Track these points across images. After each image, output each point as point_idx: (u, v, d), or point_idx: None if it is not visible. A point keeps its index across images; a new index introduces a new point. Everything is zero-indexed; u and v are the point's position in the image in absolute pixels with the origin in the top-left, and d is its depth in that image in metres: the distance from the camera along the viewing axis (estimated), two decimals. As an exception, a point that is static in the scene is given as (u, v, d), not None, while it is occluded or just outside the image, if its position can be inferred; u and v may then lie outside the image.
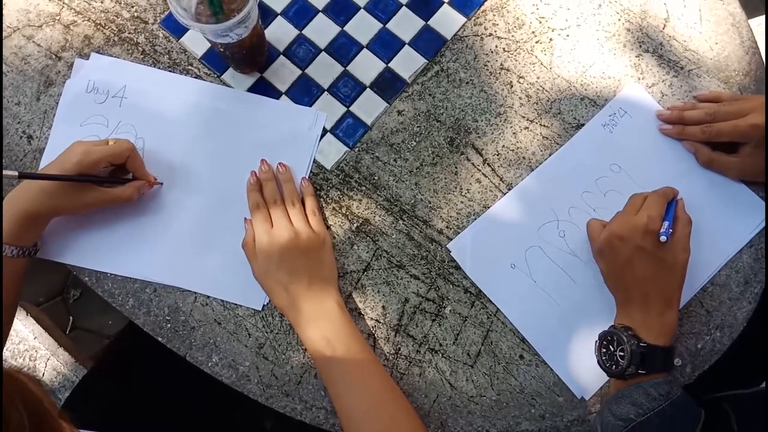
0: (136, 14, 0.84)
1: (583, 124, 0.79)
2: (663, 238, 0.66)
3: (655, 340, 0.66)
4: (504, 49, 0.82)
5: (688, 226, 0.70)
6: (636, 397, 0.64)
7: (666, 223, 0.68)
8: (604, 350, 0.69)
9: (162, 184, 0.79)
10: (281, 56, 0.82)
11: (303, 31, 0.83)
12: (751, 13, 0.94)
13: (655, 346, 0.66)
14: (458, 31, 0.82)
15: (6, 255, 0.69)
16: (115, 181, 0.75)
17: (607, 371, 0.69)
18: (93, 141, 0.73)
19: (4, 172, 0.65)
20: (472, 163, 0.79)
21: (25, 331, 1.07)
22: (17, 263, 0.71)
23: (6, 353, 1.06)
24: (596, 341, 0.71)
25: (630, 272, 0.68)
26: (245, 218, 0.76)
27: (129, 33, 0.83)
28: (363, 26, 0.83)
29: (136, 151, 0.75)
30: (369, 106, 0.81)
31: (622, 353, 0.66)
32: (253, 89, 0.81)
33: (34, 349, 1.07)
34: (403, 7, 0.83)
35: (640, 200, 0.71)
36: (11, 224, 0.69)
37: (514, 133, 0.79)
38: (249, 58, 0.78)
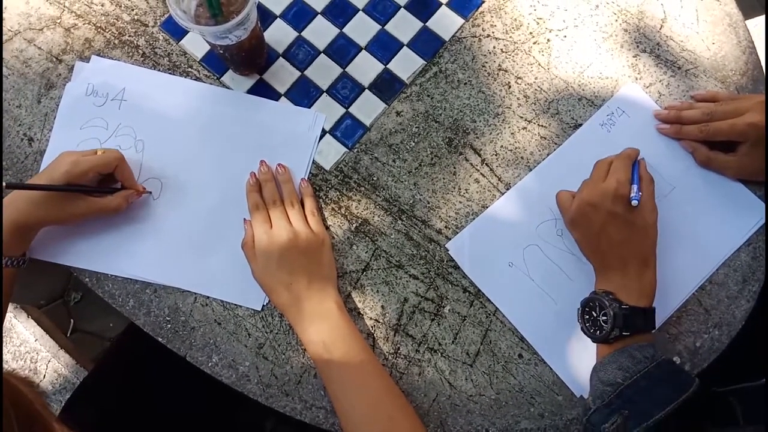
0: (136, 17, 0.85)
1: (580, 124, 0.79)
2: (634, 203, 0.68)
3: (636, 302, 0.67)
4: (502, 50, 0.82)
5: (651, 184, 0.71)
6: (622, 361, 0.65)
7: (635, 187, 0.69)
8: (587, 317, 0.70)
9: (151, 192, 0.79)
10: (280, 58, 0.83)
11: (302, 33, 0.83)
12: (748, 13, 0.94)
13: (636, 307, 0.66)
14: (456, 32, 0.83)
15: None
16: (103, 191, 0.75)
17: (592, 337, 0.69)
18: (81, 151, 0.74)
19: None
20: (471, 164, 0.79)
21: (26, 333, 1.07)
22: (5, 273, 0.71)
23: (7, 355, 1.06)
24: (578, 309, 0.71)
25: (605, 238, 0.69)
26: (244, 219, 0.77)
27: (129, 36, 0.84)
28: (362, 28, 0.83)
29: (125, 161, 0.75)
30: (368, 107, 0.81)
31: (605, 317, 0.67)
32: (253, 91, 0.82)
33: (35, 351, 1.07)
34: (402, 8, 0.84)
35: (605, 166, 0.72)
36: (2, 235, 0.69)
37: (512, 134, 0.80)
38: (248, 59, 0.79)
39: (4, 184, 0.66)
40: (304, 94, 0.82)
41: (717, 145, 0.76)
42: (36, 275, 0.75)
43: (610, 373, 0.65)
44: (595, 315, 0.68)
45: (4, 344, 1.06)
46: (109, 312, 0.77)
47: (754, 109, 0.72)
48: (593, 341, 0.70)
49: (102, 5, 0.85)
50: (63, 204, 0.71)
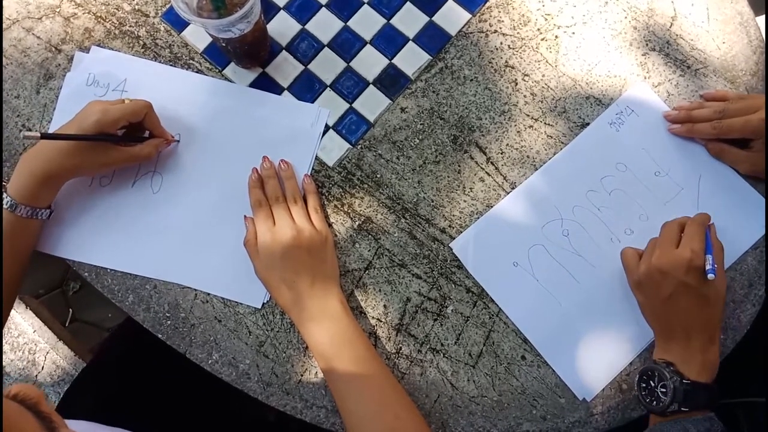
0: (137, 7, 0.83)
1: (587, 123, 0.78)
2: (711, 276, 0.63)
3: (698, 376, 0.64)
4: (509, 46, 0.81)
5: (721, 253, 0.68)
6: None
7: (710, 258, 0.65)
8: (644, 385, 0.67)
9: (179, 141, 0.79)
10: (284, 51, 0.81)
11: (306, 26, 0.82)
12: (757, 11, 0.93)
13: (698, 383, 0.64)
14: (463, 27, 0.82)
15: (19, 215, 0.69)
16: (133, 140, 0.74)
17: (647, 407, 0.67)
18: (109, 100, 0.73)
19: (26, 133, 0.65)
20: (476, 162, 0.78)
21: (24, 324, 1.07)
22: (30, 224, 0.71)
23: (5, 346, 1.06)
24: (636, 377, 0.68)
25: (672, 308, 0.66)
26: (245, 216, 0.76)
27: (130, 26, 0.83)
28: (367, 21, 0.82)
29: (153, 109, 0.74)
30: (372, 103, 0.80)
31: (663, 389, 0.64)
32: (255, 84, 0.80)
33: (34, 342, 1.06)
34: (408, 2, 0.82)
35: (676, 229, 0.69)
36: (28, 184, 0.69)
37: (518, 132, 0.79)
38: (251, 53, 0.78)
39: (39, 134, 0.65)
40: (307, 88, 0.80)
41: (729, 144, 0.75)
42: (35, 264, 0.75)
43: None
44: (653, 385, 0.66)
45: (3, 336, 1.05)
46: (107, 302, 0.77)
47: None
48: (648, 411, 0.68)
49: (102, -6, 0.84)
50: (94, 153, 0.71)
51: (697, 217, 0.70)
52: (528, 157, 0.78)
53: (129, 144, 0.74)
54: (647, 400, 0.66)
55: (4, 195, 0.68)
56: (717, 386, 0.65)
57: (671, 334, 0.67)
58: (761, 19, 1.14)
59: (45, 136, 0.67)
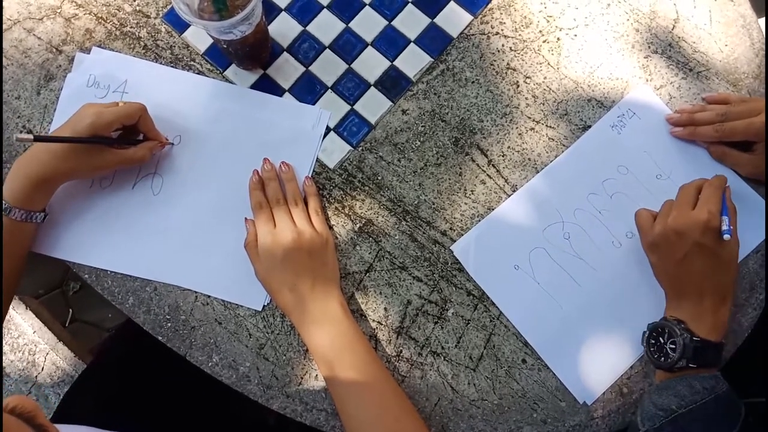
0: (138, 8, 0.83)
1: (589, 126, 0.78)
2: (727, 237, 0.64)
3: (708, 335, 0.65)
4: (511, 48, 0.81)
5: (735, 215, 0.69)
6: (680, 389, 0.64)
7: (726, 219, 0.65)
8: (653, 341, 0.68)
9: (173, 144, 0.78)
10: (285, 53, 0.81)
11: (307, 28, 0.82)
12: (759, 13, 0.92)
13: (708, 341, 0.65)
14: (465, 29, 0.81)
15: (13, 218, 0.69)
16: (127, 142, 0.74)
17: (655, 362, 0.68)
18: (104, 103, 0.73)
19: (19, 135, 0.65)
20: (477, 164, 0.78)
21: (24, 325, 1.07)
22: (24, 228, 0.71)
23: (5, 347, 1.06)
24: (644, 332, 0.70)
25: (686, 267, 0.67)
26: (246, 218, 0.75)
27: (131, 27, 0.82)
28: (368, 23, 0.82)
29: (147, 112, 0.74)
30: (373, 105, 0.80)
31: (673, 346, 0.65)
32: (256, 86, 0.80)
33: (33, 343, 1.06)
34: (409, 3, 0.82)
35: (693, 191, 0.69)
36: (23, 187, 0.68)
37: (519, 134, 0.78)
38: (252, 54, 0.77)
39: (32, 136, 0.65)
40: (308, 90, 0.80)
41: (731, 147, 0.74)
42: (35, 264, 0.75)
43: (666, 398, 0.64)
44: (662, 341, 0.67)
45: (3, 337, 1.05)
46: (108, 302, 0.77)
47: None
48: (656, 367, 0.69)
49: (103, -5, 0.83)
50: (88, 156, 0.71)
51: (714, 179, 0.70)
52: (529, 159, 0.78)
53: (123, 146, 0.73)
54: (656, 356, 0.67)
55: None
56: (723, 344, 0.66)
57: (683, 293, 0.68)
58: (762, 20, 1.14)
59: (38, 138, 0.67)
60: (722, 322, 0.67)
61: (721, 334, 0.66)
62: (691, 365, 0.64)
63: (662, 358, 0.66)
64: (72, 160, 0.70)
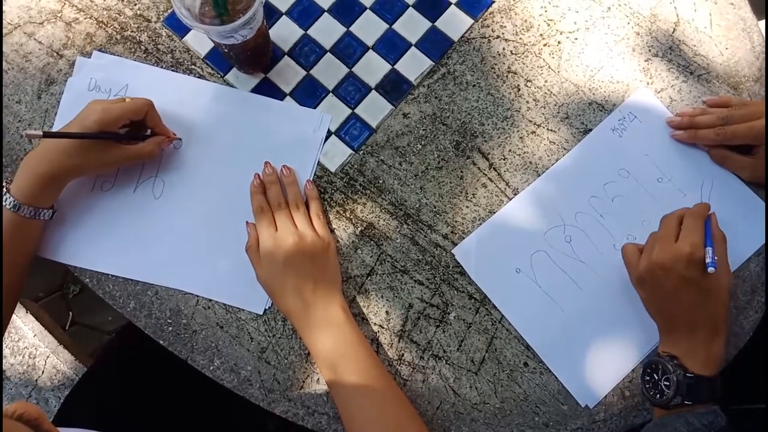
0: (138, 12, 0.83)
1: (590, 129, 0.78)
2: (711, 270, 0.63)
3: (701, 370, 0.64)
4: (511, 51, 0.81)
5: (724, 243, 0.67)
6: (677, 427, 0.62)
7: (709, 250, 0.64)
8: (648, 378, 0.67)
9: (181, 139, 0.78)
10: (286, 56, 0.81)
11: (308, 32, 0.82)
12: (759, 16, 0.92)
13: (702, 377, 0.63)
14: (465, 32, 0.81)
15: (22, 215, 0.69)
16: (135, 138, 0.74)
17: (651, 400, 0.66)
18: (110, 99, 0.73)
19: (28, 131, 0.65)
20: (478, 168, 0.78)
21: (24, 328, 1.07)
22: (32, 224, 0.71)
23: (5, 350, 1.05)
24: (639, 369, 0.68)
25: (675, 301, 0.66)
26: (247, 222, 0.75)
27: (131, 31, 0.82)
28: (369, 27, 0.82)
29: (154, 107, 0.74)
30: (374, 109, 0.80)
31: (667, 383, 0.64)
32: (257, 90, 0.80)
33: (34, 346, 1.06)
34: (410, 7, 0.82)
35: (675, 222, 0.68)
36: (31, 184, 0.69)
37: (520, 138, 0.78)
38: (253, 58, 0.77)
39: (41, 133, 0.65)
40: (309, 93, 0.80)
41: (732, 150, 0.75)
42: (35, 268, 0.75)
43: None
44: (656, 378, 0.65)
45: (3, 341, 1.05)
46: (108, 305, 0.77)
47: None
48: (651, 404, 0.67)
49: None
50: (96, 152, 0.71)
51: (695, 208, 0.69)
52: (531, 163, 0.78)
53: (131, 142, 0.73)
54: (651, 393, 0.66)
55: (7, 196, 0.68)
56: (719, 378, 0.65)
57: (675, 328, 0.67)
58: (762, 23, 1.14)
59: (47, 134, 0.67)
60: (716, 355, 0.65)
61: (715, 368, 0.65)
62: (686, 402, 0.63)
63: (657, 395, 0.65)
64: (80, 156, 0.70)
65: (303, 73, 0.81)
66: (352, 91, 0.80)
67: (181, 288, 0.76)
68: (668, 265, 0.65)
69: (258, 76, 0.81)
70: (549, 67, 0.80)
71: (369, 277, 0.75)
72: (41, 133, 0.65)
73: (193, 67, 0.81)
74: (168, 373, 0.86)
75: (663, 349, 0.68)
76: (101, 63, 0.81)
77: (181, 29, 0.82)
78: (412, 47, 0.81)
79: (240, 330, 0.74)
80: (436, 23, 0.82)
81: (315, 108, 0.80)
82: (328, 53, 0.81)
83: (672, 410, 0.64)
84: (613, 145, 0.78)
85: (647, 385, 0.67)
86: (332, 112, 0.80)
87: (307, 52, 0.81)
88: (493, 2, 0.82)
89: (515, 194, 0.77)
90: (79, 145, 0.69)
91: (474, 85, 0.80)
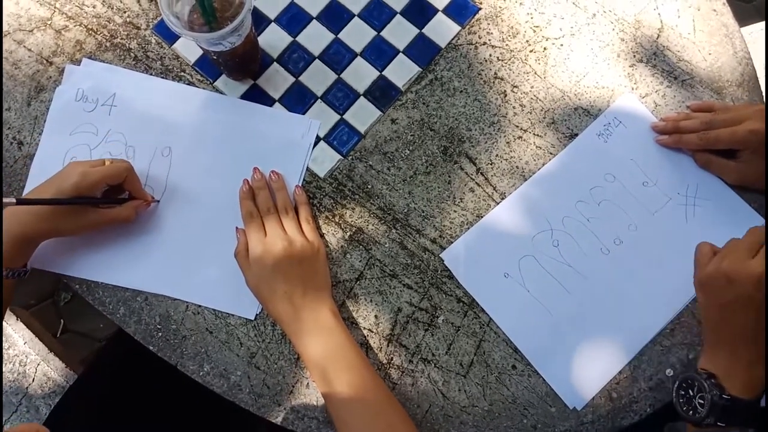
0: (128, 19, 0.84)
1: (576, 134, 0.79)
2: None
3: (740, 393, 0.61)
4: (498, 58, 0.82)
5: None
6: None
7: None
8: (683, 392, 0.64)
9: (159, 201, 0.78)
10: (275, 63, 0.82)
11: (297, 38, 0.83)
12: (744, 21, 0.94)
13: (739, 400, 0.60)
14: (453, 39, 0.82)
15: None
16: (111, 202, 0.73)
17: (683, 415, 0.64)
18: (89, 161, 0.72)
19: (4, 200, 0.63)
20: (466, 172, 0.78)
21: (15, 336, 1.06)
22: (5, 284, 0.70)
23: (-5, 358, 1.05)
24: (675, 382, 0.66)
25: (728, 315, 0.64)
26: (236, 227, 0.76)
27: (121, 38, 0.83)
28: (357, 34, 0.83)
29: (134, 171, 0.74)
30: (363, 115, 0.80)
31: (702, 401, 0.61)
32: (247, 96, 0.81)
33: (24, 354, 1.06)
34: (398, 14, 0.83)
35: (759, 237, 0.65)
36: (4, 247, 0.67)
37: (507, 143, 0.79)
38: (242, 65, 0.78)
39: (15, 200, 0.64)
40: (298, 100, 0.81)
41: (716, 154, 0.76)
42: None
43: None
44: (691, 394, 0.63)
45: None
46: (99, 312, 0.77)
47: (754, 116, 0.72)
48: (683, 420, 0.65)
49: (93, 7, 0.84)
50: (71, 216, 0.70)
51: None
52: (517, 167, 0.78)
53: (108, 206, 0.73)
54: (684, 409, 0.64)
55: None
56: (758, 403, 0.62)
57: (719, 342, 0.65)
58: (746, 30, 1.15)
59: (21, 201, 0.65)
60: (758, 380, 0.62)
61: (754, 393, 0.62)
62: (719, 424, 0.60)
63: (690, 412, 0.63)
64: (54, 220, 0.69)
65: (292, 79, 0.81)
66: (340, 97, 0.81)
67: (170, 294, 0.76)
68: (735, 279, 0.63)
69: (247, 82, 0.81)
70: (535, 72, 0.81)
71: (358, 282, 0.76)
72: (14, 200, 0.64)
73: (182, 73, 0.82)
74: (158, 380, 0.86)
75: (703, 365, 0.66)
76: (90, 70, 0.82)
77: (171, 36, 0.83)
78: (400, 54, 0.82)
79: (229, 335, 0.75)
80: (423, 30, 0.82)
81: (304, 114, 0.80)
82: (317, 60, 0.82)
83: (704, 429, 0.62)
84: (598, 150, 0.79)
85: (681, 400, 0.65)
86: (321, 118, 0.80)
87: (295, 58, 0.82)
88: (480, 9, 0.83)
89: (503, 198, 0.78)
90: (53, 210, 0.68)
91: (461, 91, 0.81)
